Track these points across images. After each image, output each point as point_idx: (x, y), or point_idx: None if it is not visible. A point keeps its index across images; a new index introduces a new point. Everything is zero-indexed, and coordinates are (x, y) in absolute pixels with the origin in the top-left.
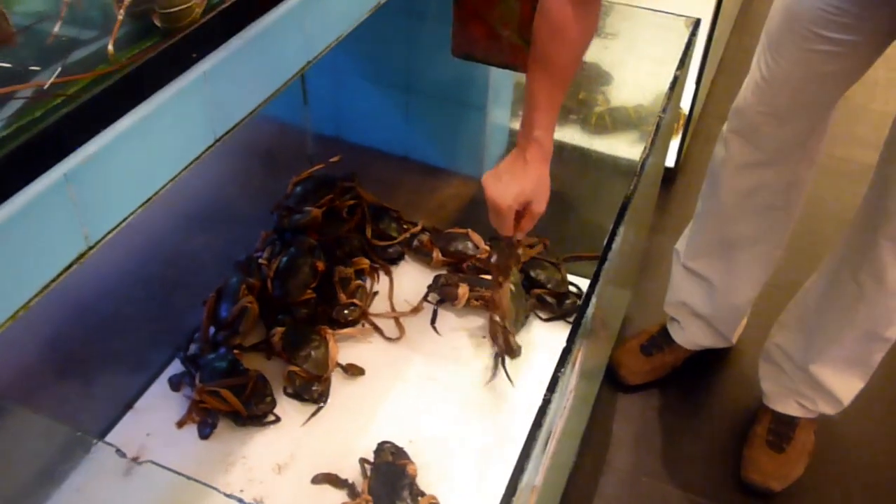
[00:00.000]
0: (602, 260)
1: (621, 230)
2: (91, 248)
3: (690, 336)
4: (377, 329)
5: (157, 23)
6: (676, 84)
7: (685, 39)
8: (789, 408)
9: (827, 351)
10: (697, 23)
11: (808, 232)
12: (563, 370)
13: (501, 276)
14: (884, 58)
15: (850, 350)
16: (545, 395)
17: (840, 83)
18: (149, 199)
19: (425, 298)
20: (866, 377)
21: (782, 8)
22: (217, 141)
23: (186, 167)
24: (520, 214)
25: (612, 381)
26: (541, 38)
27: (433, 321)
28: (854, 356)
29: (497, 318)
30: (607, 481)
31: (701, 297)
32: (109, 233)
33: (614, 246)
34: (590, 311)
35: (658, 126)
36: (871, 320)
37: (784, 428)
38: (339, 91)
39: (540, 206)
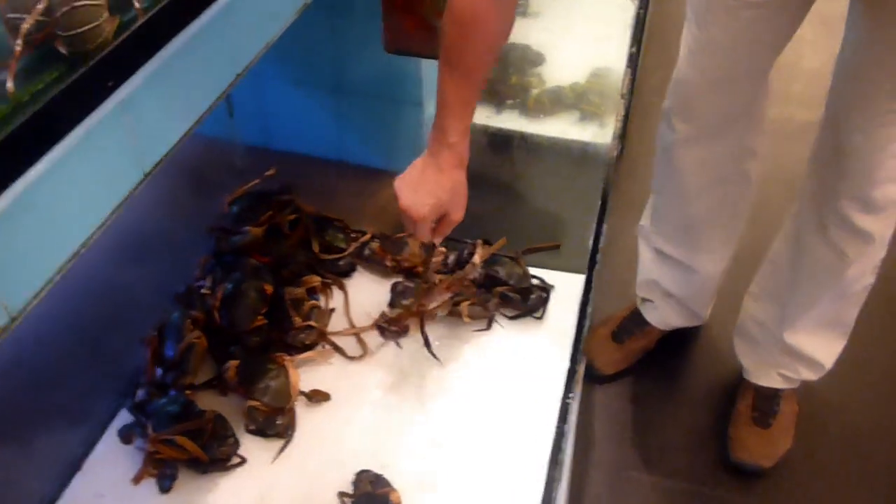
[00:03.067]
0: (592, 263)
1: (604, 228)
2: (14, 318)
3: (664, 316)
4: (338, 349)
5: (63, 49)
6: (635, 63)
7: (612, 10)
8: (771, 380)
9: (803, 316)
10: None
11: (760, 198)
12: (571, 395)
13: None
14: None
15: (827, 311)
16: (557, 426)
17: (771, 46)
18: (71, 258)
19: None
20: (846, 336)
21: None
22: (146, 176)
23: (114, 212)
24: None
25: (588, 374)
26: (451, 36)
27: (427, 345)
28: (832, 316)
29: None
30: (593, 479)
31: (671, 277)
32: (31, 303)
33: (601, 243)
34: (587, 323)
35: (627, 109)
36: (853, 277)
37: (768, 403)
38: (266, 98)
39: (457, 215)
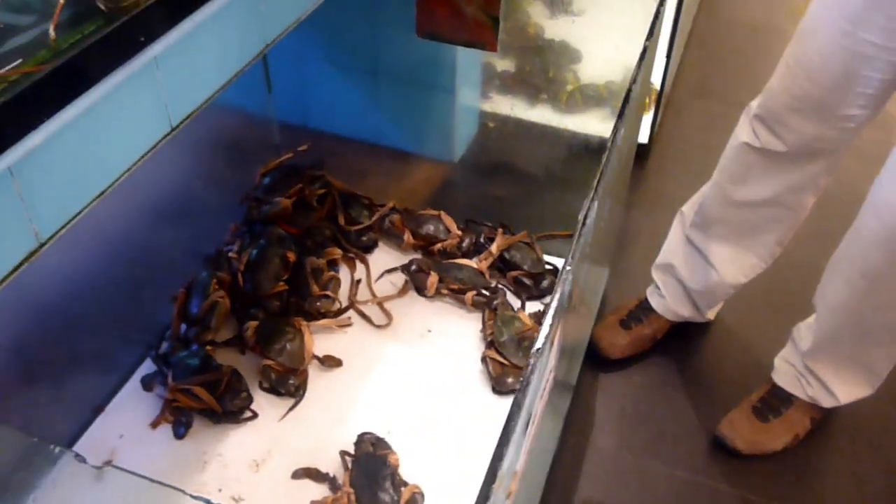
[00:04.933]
0: (578, 235)
1: (595, 205)
2: (43, 244)
3: (669, 303)
4: (366, 318)
5: (101, 5)
6: (646, 55)
7: (653, 10)
8: (789, 383)
9: (825, 343)
10: None
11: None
12: (540, 350)
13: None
14: None
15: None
16: (522, 378)
17: (876, 92)
18: (102, 193)
19: (388, 274)
20: (871, 385)
21: None
22: (174, 129)
23: (141, 158)
24: None
25: (593, 359)
26: None
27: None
28: (854, 353)
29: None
30: (592, 460)
31: (690, 267)
32: (61, 230)
33: (588, 221)
34: (566, 287)
35: (627, 98)
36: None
37: (776, 401)
38: (304, 78)
39: None
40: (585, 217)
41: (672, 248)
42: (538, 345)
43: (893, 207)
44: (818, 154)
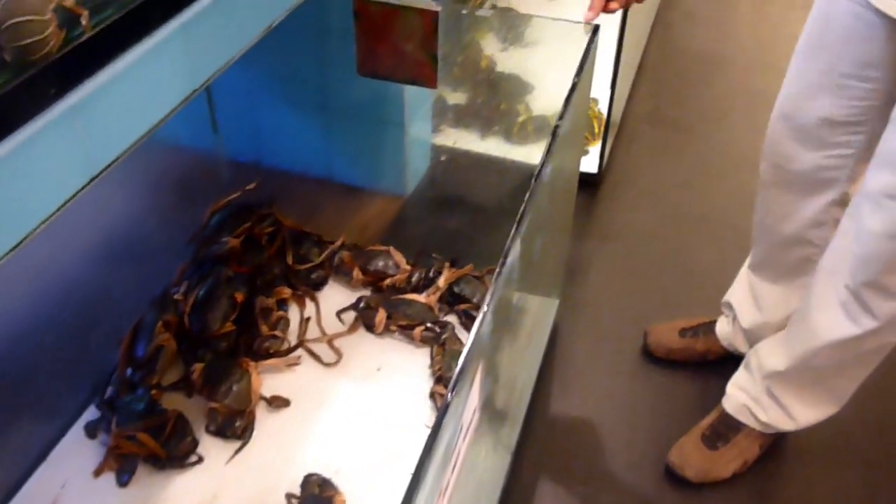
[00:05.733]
0: (497, 275)
1: (517, 244)
2: None
3: (729, 334)
4: (315, 356)
5: (7, 58)
6: (574, 91)
7: (608, 41)
8: (738, 410)
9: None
10: (596, 29)
11: None
12: (455, 391)
13: None
14: None
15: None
16: (434, 425)
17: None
18: (16, 246)
19: (339, 316)
20: (835, 404)
21: (817, 15)
22: (93, 180)
23: (58, 210)
24: None
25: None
26: None
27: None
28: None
29: None
30: (543, 492)
31: (746, 307)
32: None
33: (509, 261)
34: (484, 328)
35: (554, 135)
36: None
37: (725, 428)
38: (253, 114)
39: None
40: (505, 257)
41: (736, 284)
42: (451, 388)
43: (871, 233)
44: (826, 184)
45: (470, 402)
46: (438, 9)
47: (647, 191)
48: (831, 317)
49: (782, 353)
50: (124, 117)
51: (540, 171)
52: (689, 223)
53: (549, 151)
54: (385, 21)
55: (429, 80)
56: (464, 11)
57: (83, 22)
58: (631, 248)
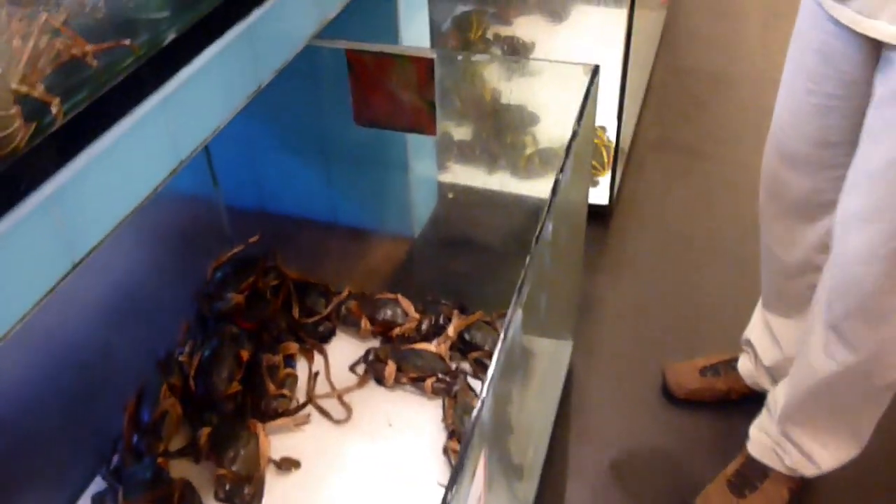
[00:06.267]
0: (499, 353)
1: (517, 316)
2: None
3: (753, 372)
4: (325, 413)
5: None
6: (575, 139)
7: (612, 65)
8: (764, 454)
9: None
10: (596, 70)
11: None
12: (455, 487)
13: None
14: None
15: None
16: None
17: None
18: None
19: (353, 369)
20: (858, 444)
21: (797, 36)
22: (76, 266)
23: (43, 298)
24: None
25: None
26: None
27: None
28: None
29: None
30: None
31: (765, 344)
32: None
33: (509, 335)
34: (484, 413)
35: (555, 189)
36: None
37: (752, 474)
38: (254, 162)
39: None
40: (506, 333)
41: (753, 322)
42: (450, 482)
43: (847, 258)
44: (824, 208)
45: (476, 490)
46: (433, 56)
47: (659, 220)
48: (815, 352)
49: (790, 392)
50: (105, 201)
51: (539, 232)
52: (704, 252)
53: (549, 210)
54: (379, 70)
55: (427, 128)
56: (459, 57)
57: (54, 110)
58: (646, 280)
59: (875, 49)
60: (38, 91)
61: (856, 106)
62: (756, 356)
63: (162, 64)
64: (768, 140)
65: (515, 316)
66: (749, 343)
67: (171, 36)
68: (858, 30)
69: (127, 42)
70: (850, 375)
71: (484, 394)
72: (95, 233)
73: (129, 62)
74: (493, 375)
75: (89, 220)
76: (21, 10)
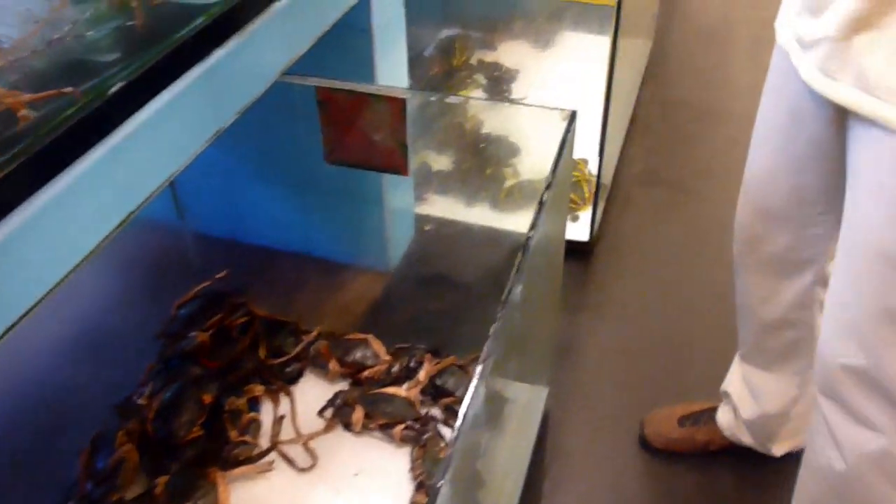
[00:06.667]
0: (454, 442)
1: (480, 390)
2: None
3: (732, 425)
4: (289, 461)
5: None
6: (544, 203)
7: (596, 92)
8: None
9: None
10: (573, 116)
11: None
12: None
13: None
14: None
15: None
16: None
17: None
18: None
19: (320, 413)
20: None
21: (768, 91)
22: (9, 330)
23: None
24: None
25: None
26: None
27: None
28: None
29: None
30: None
31: (743, 398)
32: None
33: (469, 416)
34: (452, 470)
35: (525, 248)
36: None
37: None
38: (227, 191)
39: None
40: (466, 415)
41: (730, 374)
42: None
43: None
44: (802, 265)
45: None
46: (406, 96)
47: (642, 258)
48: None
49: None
50: (43, 260)
51: (508, 294)
52: (689, 292)
53: (519, 268)
54: (351, 110)
55: (400, 168)
56: (432, 98)
57: None
58: (626, 321)
59: (842, 114)
60: None
61: (829, 169)
62: (735, 409)
63: (111, 112)
64: (742, 192)
65: (479, 390)
66: (727, 395)
67: (120, 82)
68: (816, 88)
69: (69, 90)
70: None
71: (452, 450)
72: (28, 296)
73: (72, 111)
74: (460, 430)
75: (22, 283)
76: None
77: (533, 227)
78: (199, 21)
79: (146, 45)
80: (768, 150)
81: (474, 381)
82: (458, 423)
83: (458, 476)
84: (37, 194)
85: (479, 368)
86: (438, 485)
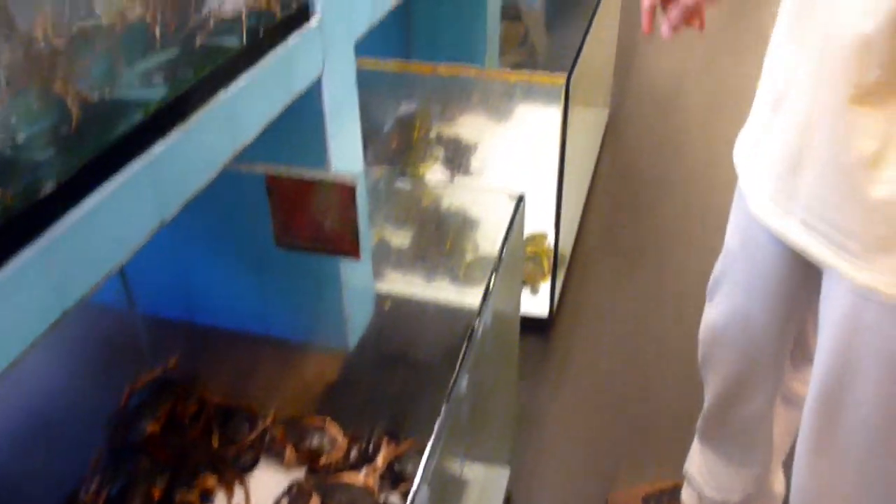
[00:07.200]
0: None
1: (427, 478)
2: None
3: (692, 501)
4: None
5: None
6: (489, 294)
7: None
8: None
9: None
10: (520, 199)
11: None
12: None
13: None
14: None
15: None
16: None
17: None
18: None
19: None
20: None
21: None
22: None
23: None
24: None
25: None
26: None
27: None
28: None
29: None
30: None
31: (705, 483)
32: None
33: (422, 483)
34: None
35: (470, 337)
36: None
37: None
38: (179, 272)
39: None
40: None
41: (690, 453)
42: None
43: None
44: (762, 383)
45: None
46: (356, 183)
47: (603, 328)
48: None
49: None
50: None
51: (453, 386)
52: (650, 362)
53: (464, 358)
54: (300, 195)
55: (352, 252)
56: (381, 185)
57: None
58: (589, 395)
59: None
60: None
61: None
62: (699, 492)
63: (43, 211)
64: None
65: (439, 444)
66: (690, 477)
67: (52, 182)
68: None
69: None
70: None
71: None
72: None
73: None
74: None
75: None
76: None
77: (479, 313)
78: (137, 116)
79: (82, 141)
80: (730, 295)
81: (419, 473)
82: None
83: None
84: None
85: (422, 464)
86: None
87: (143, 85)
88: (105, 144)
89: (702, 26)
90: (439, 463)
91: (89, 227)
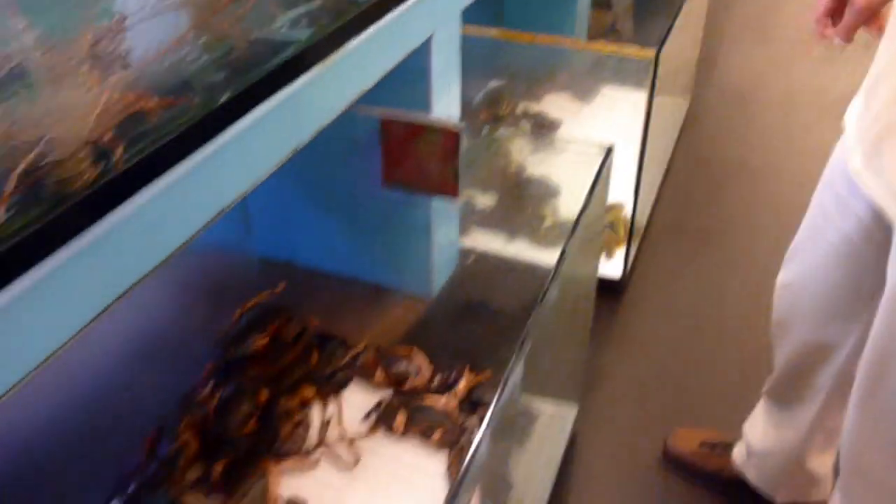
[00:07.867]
0: (498, 402)
1: (519, 369)
2: None
3: (743, 461)
4: (334, 459)
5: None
6: (584, 211)
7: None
8: None
9: None
10: (609, 149)
11: None
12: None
13: None
14: None
15: None
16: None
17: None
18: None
19: (365, 418)
20: None
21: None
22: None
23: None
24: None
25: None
26: None
27: None
28: None
29: None
30: None
31: (758, 436)
32: None
33: (501, 402)
34: (479, 453)
35: (562, 256)
36: None
37: None
38: (285, 215)
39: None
40: (505, 383)
41: (752, 414)
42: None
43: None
44: (836, 347)
45: None
46: (460, 129)
47: (670, 300)
48: None
49: None
50: (152, 236)
51: (543, 296)
52: (711, 336)
53: (554, 275)
54: (409, 137)
55: (451, 192)
56: (484, 132)
57: (115, 157)
58: (653, 358)
59: None
60: (107, 138)
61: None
62: (749, 448)
63: (217, 118)
64: (779, 279)
65: (515, 370)
66: (745, 434)
67: (223, 97)
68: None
69: (186, 99)
70: None
71: (479, 433)
72: (137, 269)
73: (186, 118)
74: (490, 419)
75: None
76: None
77: (569, 239)
78: (289, 52)
79: (244, 70)
80: (812, 252)
81: (494, 400)
82: (486, 420)
83: (485, 474)
84: (154, 181)
85: (498, 392)
86: (468, 464)
87: (293, 28)
88: (261, 74)
89: (881, 30)
90: (513, 393)
91: (251, 136)
